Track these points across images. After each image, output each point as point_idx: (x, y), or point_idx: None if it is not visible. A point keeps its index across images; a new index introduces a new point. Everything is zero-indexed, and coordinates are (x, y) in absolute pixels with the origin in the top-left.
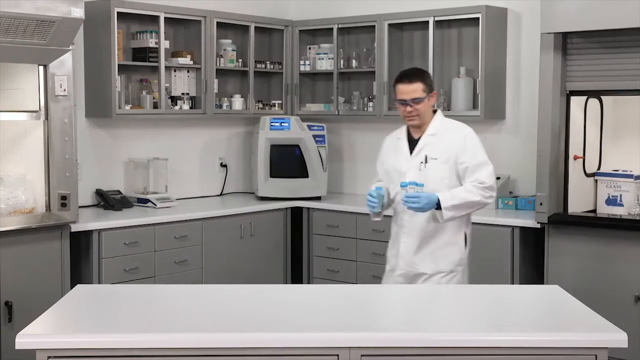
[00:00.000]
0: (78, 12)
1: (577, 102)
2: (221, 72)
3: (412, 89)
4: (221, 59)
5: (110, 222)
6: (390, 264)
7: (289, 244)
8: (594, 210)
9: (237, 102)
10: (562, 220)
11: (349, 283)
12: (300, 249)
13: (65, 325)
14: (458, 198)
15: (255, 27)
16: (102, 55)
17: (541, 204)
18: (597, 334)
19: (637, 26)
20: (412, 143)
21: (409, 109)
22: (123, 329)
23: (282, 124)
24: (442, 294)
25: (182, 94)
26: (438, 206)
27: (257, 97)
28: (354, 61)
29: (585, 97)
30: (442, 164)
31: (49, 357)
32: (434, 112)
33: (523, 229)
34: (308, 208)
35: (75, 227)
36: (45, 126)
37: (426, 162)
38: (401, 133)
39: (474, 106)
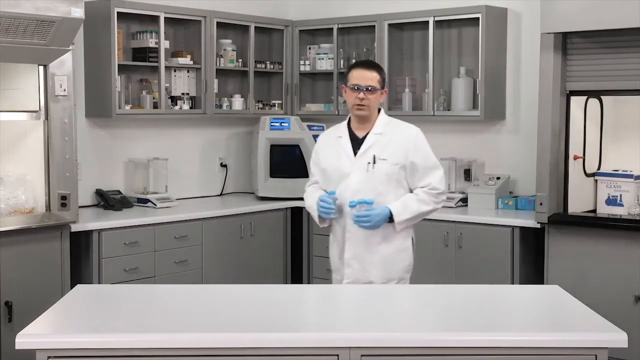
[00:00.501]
0: (78, 12)
1: (577, 102)
2: (221, 72)
3: (370, 77)
4: (221, 59)
5: (110, 222)
6: (340, 274)
7: (289, 244)
8: (594, 210)
9: (237, 102)
10: (562, 220)
11: None
12: (300, 249)
13: (65, 325)
14: (410, 211)
15: (255, 27)
16: (102, 55)
17: (541, 204)
18: (597, 334)
19: (637, 26)
20: (356, 142)
21: (361, 95)
22: (123, 329)
23: (282, 124)
24: (442, 294)
25: (182, 94)
26: (390, 218)
27: (257, 97)
28: (354, 61)
29: (585, 97)
30: (392, 165)
31: (49, 357)
32: (378, 111)
33: (523, 229)
34: None
35: (75, 227)
36: (45, 126)
37: (374, 162)
38: (341, 131)
39: (474, 106)
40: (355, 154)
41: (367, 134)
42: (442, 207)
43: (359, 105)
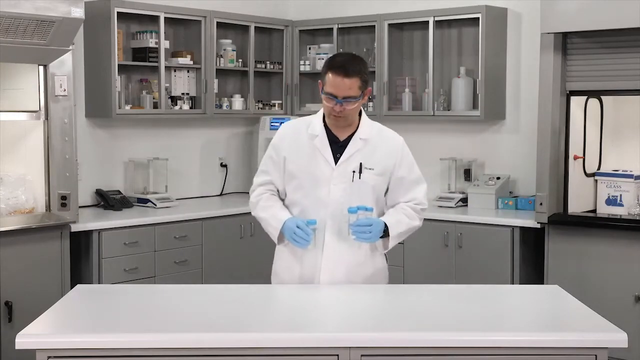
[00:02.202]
0: (78, 12)
1: (577, 102)
2: (221, 72)
3: (348, 85)
4: (221, 59)
5: (110, 222)
6: None
7: None
8: (594, 210)
9: (237, 102)
10: (562, 220)
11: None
12: None
13: (65, 325)
14: (403, 224)
15: (255, 27)
16: (102, 55)
17: (541, 204)
18: (597, 334)
19: (637, 26)
20: (336, 145)
21: (337, 108)
22: (123, 329)
23: (282, 124)
24: (442, 293)
25: (182, 94)
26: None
27: (257, 97)
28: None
29: (585, 97)
30: (377, 176)
31: (49, 357)
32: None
33: (523, 229)
34: None
35: (75, 227)
36: (45, 126)
37: (360, 172)
38: (316, 128)
39: (474, 106)
40: (335, 159)
41: (350, 137)
42: (442, 207)
43: (334, 116)
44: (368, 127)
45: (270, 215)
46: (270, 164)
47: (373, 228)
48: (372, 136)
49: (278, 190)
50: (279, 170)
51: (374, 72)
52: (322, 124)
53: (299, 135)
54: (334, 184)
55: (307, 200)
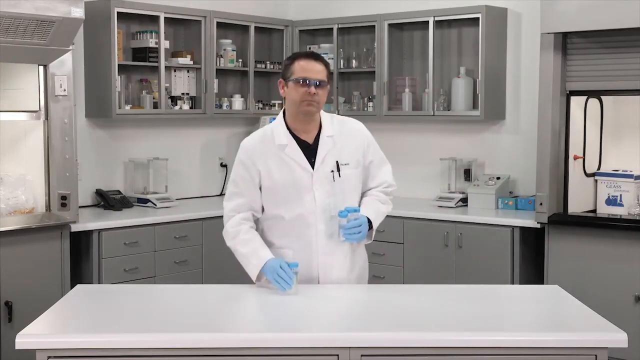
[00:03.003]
0: (78, 12)
1: (577, 102)
2: (221, 72)
3: (319, 69)
4: (221, 59)
5: (110, 222)
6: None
7: None
8: (594, 210)
9: (237, 102)
10: (562, 220)
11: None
12: None
13: (65, 325)
14: (381, 214)
15: (255, 27)
16: (102, 55)
17: (541, 204)
18: (597, 334)
19: (637, 26)
20: (307, 150)
21: (312, 90)
22: (123, 329)
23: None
24: (442, 293)
25: (182, 94)
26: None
27: (257, 97)
28: (354, 61)
29: (585, 97)
30: (354, 169)
31: (49, 357)
32: None
33: (523, 229)
34: None
35: (75, 227)
36: (45, 126)
37: (339, 170)
38: (282, 137)
39: (474, 106)
40: (310, 163)
41: (317, 137)
42: (442, 207)
43: (309, 102)
44: (329, 122)
45: (251, 251)
46: (242, 184)
47: (362, 228)
48: (336, 130)
49: (253, 213)
50: (254, 188)
51: (374, 72)
52: (287, 132)
53: (266, 148)
54: (316, 188)
55: (293, 211)
